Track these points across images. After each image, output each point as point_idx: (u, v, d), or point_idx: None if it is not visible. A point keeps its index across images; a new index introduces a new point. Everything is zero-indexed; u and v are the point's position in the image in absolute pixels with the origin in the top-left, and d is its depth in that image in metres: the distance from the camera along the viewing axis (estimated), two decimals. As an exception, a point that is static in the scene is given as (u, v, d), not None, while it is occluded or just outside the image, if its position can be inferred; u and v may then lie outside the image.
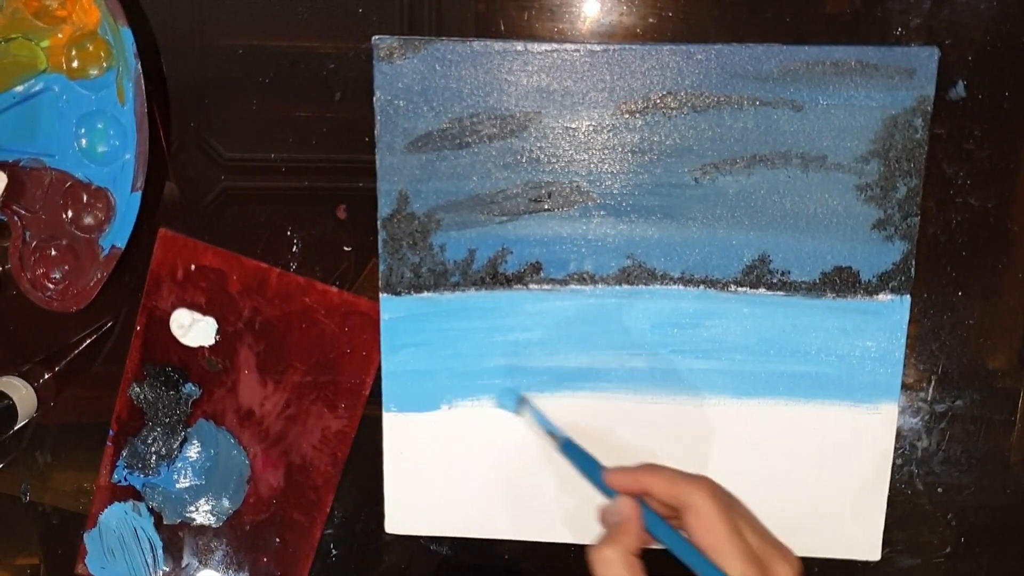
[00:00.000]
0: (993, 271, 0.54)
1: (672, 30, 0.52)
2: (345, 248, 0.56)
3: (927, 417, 0.56)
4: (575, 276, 0.54)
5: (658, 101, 0.52)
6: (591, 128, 0.52)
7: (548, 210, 0.54)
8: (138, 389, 0.59)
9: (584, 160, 0.53)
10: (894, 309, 0.53)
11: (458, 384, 0.56)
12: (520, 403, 0.55)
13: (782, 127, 0.52)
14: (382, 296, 0.55)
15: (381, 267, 0.55)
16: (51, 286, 0.58)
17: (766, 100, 0.51)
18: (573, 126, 0.52)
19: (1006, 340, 0.55)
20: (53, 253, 0.57)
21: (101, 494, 0.62)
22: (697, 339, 0.54)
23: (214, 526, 0.61)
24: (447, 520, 0.59)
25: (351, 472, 0.59)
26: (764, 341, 0.54)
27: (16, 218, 0.57)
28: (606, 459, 0.51)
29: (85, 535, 0.62)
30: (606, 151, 0.53)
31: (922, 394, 0.56)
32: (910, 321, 0.53)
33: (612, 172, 0.53)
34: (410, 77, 0.52)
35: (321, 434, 0.58)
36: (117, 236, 0.56)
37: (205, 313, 0.58)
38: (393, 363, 0.56)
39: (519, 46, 0.52)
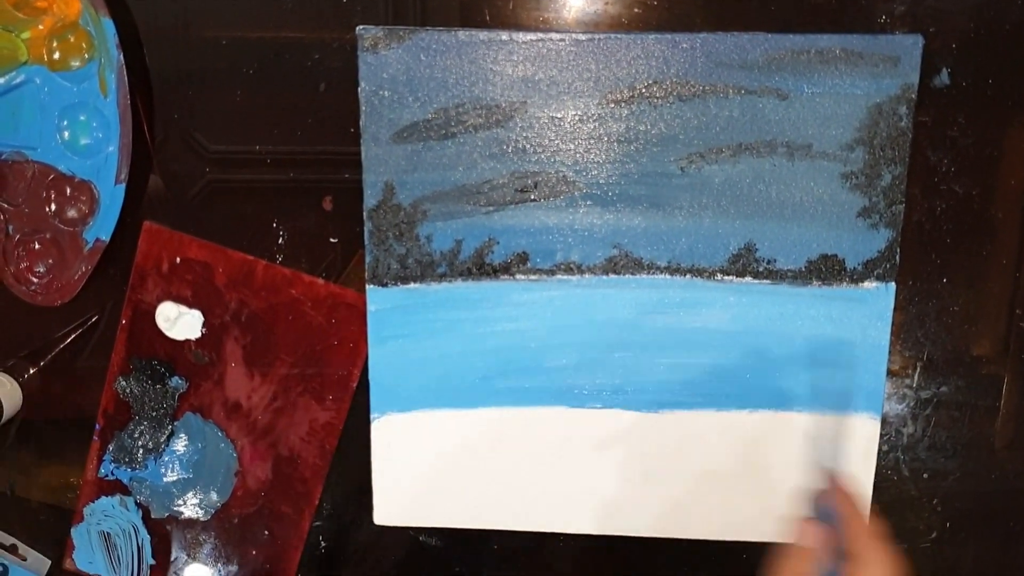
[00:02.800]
0: (977, 258, 0.54)
1: (657, 19, 0.52)
2: (331, 240, 0.56)
3: (912, 403, 0.56)
4: (562, 266, 0.54)
5: (644, 90, 0.52)
6: (577, 118, 0.52)
7: (534, 200, 0.54)
8: (124, 383, 0.59)
9: (570, 150, 0.53)
10: (879, 296, 0.54)
11: (446, 374, 0.56)
12: None
13: (767, 116, 0.52)
14: (369, 287, 0.55)
15: (367, 258, 0.55)
16: (35, 280, 0.57)
17: (751, 89, 0.51)
18: (559, 116, 0.52)
19: (990, 327, 0.55)
20: (37, 246, 0.57)
21: (88, 489, 0.61)
22: (684, 328, 0.54)
23: (202, 519, 0.61)
24: (436, 511, 0.59)
25: (339, 464, 0.59)
26: (750, 329, 0.54)
27: (-1, 212, 0.57)
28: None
29: (72, 530, 0.62)
30: (592, 141, 0.53)
31: (907, 381, 0.56)
32: (895, 308, 0.54)
33: (598, 162, 0.53)
34: (395, 67, 0.52)
35: (309, 426, 0.58)
36: (101, 229, 0.55)
37: (191, 306, 0.57)
38: (380, 354, 0.56)
39: (504, 36, 0.52)
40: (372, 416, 0.57)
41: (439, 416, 0.57)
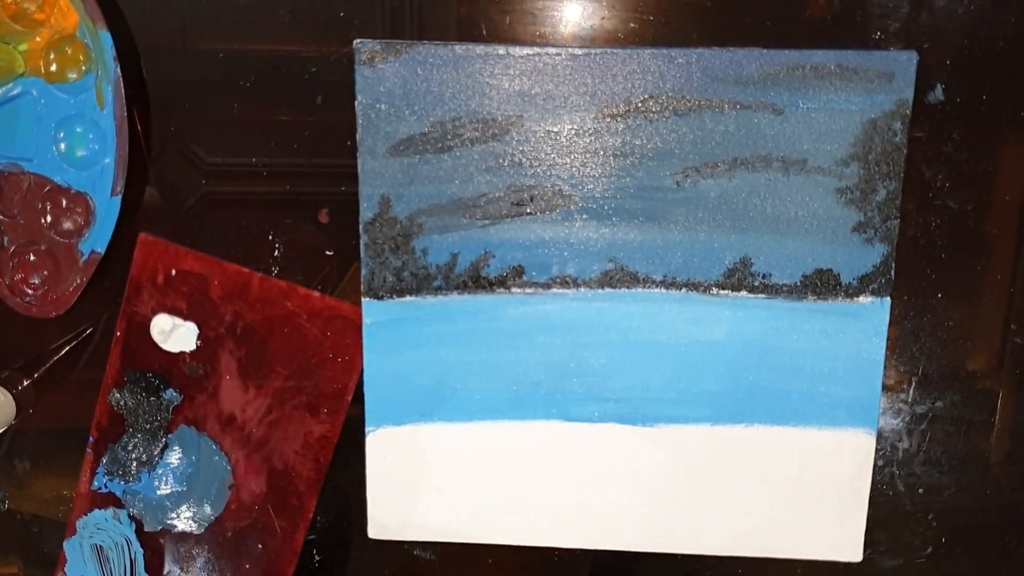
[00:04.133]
0: (972, 273, 0.54)
1: (653, 34, 0.52)
2: (327, 252, 0.56)
3: (908, 418, 0.56)
4: (558, 280, 0.54)
5: (639, 105, 0.52)
6: (573, 132, 0.52)
7: (530, 214, 0.54)
8: (118, 395, 0.59)
9: (566, 164, 0.53)
10: (874, 311, 0.54)
11: (441, 388, 0.56)
12: None
13: (763, 131, 0.52)
14: (364, 300, 0.55)
15: (363, 271, 0.55)
16: (30, 292, 0.57)
17: (747, 104, 0.52)
18: (555, 130, 0.53)
19: (985, 342, 0.55)
20: (32, 258, 0.57)
21: (81, 501, 0.61)
22: (679, 342, 0.54)
23: (195, 533, 0.60)
24: (431, 525, 0.58)
25: (334, 477, 0.59)
26: (746, 344, 0.54)
27: (-6, 223, 0.57)
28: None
29: (65, 543, 0.62)
30: (588, 155, 0.53)
31: (903, 395, 0.56)
32: (890, 323, 0.54)
33: (594, 176, 0.53)
34: (392, 81, 0.52)
35: (303, 439, 0.58)
36: (97, 241, 0.55)
37: (186, 318, 0.57)
38: (376, 367, 0.56)
39: (501, 50, 0.52)
40: (367, 429, 0.57)
41: (434, 430, 0.57)
